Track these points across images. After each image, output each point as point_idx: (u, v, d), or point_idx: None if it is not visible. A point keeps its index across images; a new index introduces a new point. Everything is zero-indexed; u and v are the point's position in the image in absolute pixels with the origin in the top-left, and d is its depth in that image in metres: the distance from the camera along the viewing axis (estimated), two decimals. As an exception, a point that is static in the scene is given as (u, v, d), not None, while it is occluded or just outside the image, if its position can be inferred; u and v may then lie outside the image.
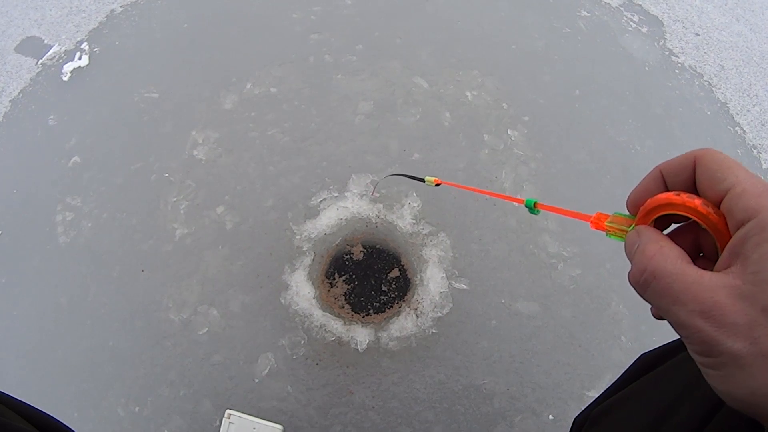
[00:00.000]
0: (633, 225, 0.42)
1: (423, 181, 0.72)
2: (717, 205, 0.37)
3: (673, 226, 0.43)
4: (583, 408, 0.80)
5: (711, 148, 0.38)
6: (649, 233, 0.39)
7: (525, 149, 1.56)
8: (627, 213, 0.43)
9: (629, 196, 0.43)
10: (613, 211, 0.44)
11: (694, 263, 0.36)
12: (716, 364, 0.34)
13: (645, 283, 0.37)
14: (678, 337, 0.65)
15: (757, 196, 0.34)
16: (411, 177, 0.77)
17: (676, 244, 0.39)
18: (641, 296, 0.38)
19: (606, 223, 0.43)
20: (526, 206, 0.52)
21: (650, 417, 0.55)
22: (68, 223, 1.48)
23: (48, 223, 1.49)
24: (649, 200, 0.40)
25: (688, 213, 0.38)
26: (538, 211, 0.52)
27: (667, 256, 0.36)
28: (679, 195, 0.38)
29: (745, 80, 1.85)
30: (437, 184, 0.70)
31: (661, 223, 0.41)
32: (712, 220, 0.37)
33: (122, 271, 1.42)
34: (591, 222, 0.44)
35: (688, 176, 0.39)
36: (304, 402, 1.28)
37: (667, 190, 0.40)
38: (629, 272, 0.39)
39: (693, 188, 0.39)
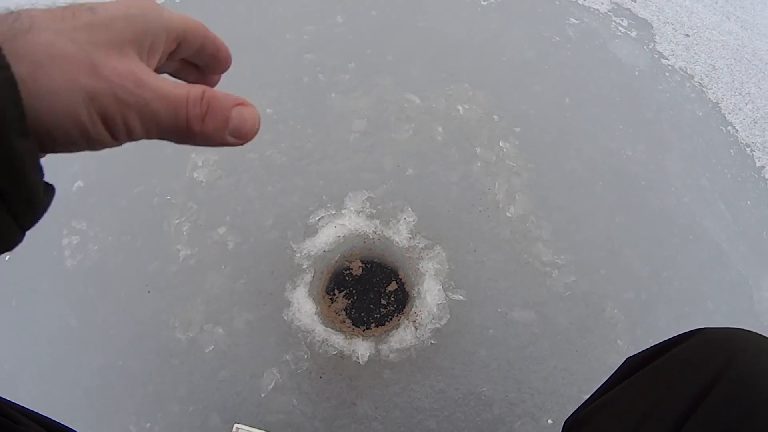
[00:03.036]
0: None
1: None
2: None
3: None
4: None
5: None
6: None
7: (517, 160, 1.59)
8: None
9: None
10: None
11: None
12: None
13: None
14: (661, 340, 0.68)
15: None
16: None
17: None
18: None
19: None
20: None
21: (632, 418, 0.59)
22: (75, 247, 1.52)
23: (55, 246, 1.53)
24: None
25: None
26: None
27: None
28: None
29: (737, 78, 1.86)
30: None
31: None
32: None
33: (129, 292, 1.46)
34: None
35: None
36: (309, 414, 1.32)
37: None
38: None
39: None
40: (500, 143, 1.60)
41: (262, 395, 1.34)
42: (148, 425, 1.34)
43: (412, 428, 1.31)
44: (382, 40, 1.78)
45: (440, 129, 1.62)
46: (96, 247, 1.52)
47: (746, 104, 1.82)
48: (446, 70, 1.73)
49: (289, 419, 1.32)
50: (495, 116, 1.65)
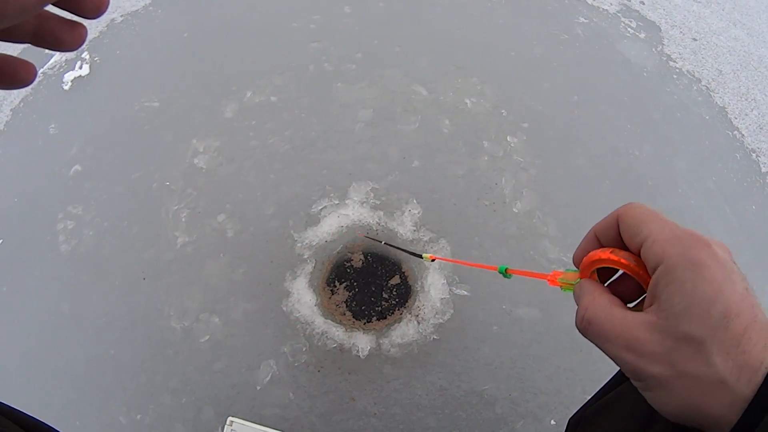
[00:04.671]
0: (578, 279, 0.48)
1: (420, 257, 0.78)
2: (639, 254, 0.42)
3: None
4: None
5: (632, 204, 0.44)
6: (585, 286, 0.46)
7: (524, 156, 1.56)
8: (575, 268, 0.50)
9: (574, 254, 0.49)
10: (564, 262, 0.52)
11: (641, 303, 0.43)
12: (646, 387, 0.41)
13: (584, 329, 0.44)
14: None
15: (664, 243, 0.40)
16: (409, 252, 0.85)
17: (623, 286, 0.46)
18: (584, 337, 0.44)
19: (558, 280, 0.50)
20: (499, 272, 0.58)
21: (642, 415, 0.57)
22: (69, 232, 1.49)
23: (49, 231, 1.49)
24: (584, 258, 0.47)
25: (613, 265, 0.44)
26: (510, 275, 0.58)
27: (599, 304, 0.43)
28: (605, 251, 0.44)
29: (743, 84, 1.86)
30: (432, 260, 0.75)
31: (610, 272, 0.47)
32: (633, 269, 0.43)
33: (123, 279, 1.42)
34: (549, 280, 0.51)
35: (616, 233, 0.45)
36: (306, 409, 1.28)
37: (602, 246, 0.46)
38: (575, 318, 0.46)
39: (622, 242, 0.44)
40: (508, 138, 1.58)
41: (258, 388, 1.30)
42: (138, 417, 1.30)
43: (412, 426, 1.28)
44: (390, 32, 1.77)
45: (447, 122, 1.60)
46: (91, 233, 1.48)
47: (752, 110, 1.82)
48: (454, 64, 1.71)
49: (285, 413, 1.28)
50: (503, 111, 1.63)
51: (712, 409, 0.38)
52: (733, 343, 0.37)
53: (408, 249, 0.93)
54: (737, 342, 0.37)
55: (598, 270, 0.48)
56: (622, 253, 0.44)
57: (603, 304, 0.43)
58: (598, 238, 0.47)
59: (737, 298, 0.38)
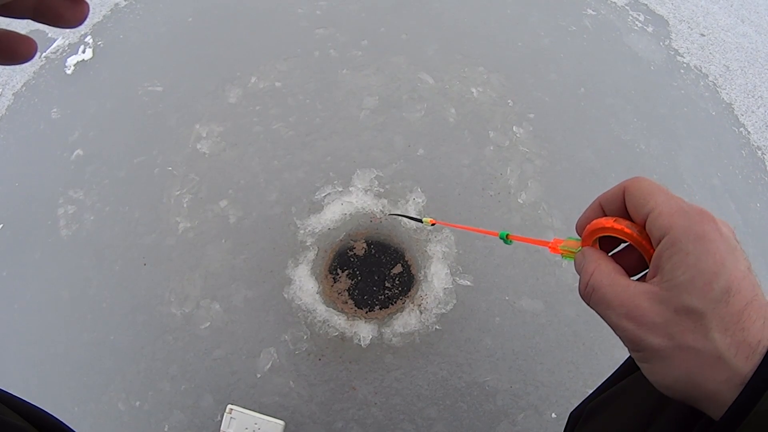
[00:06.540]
0: (580, 247, 0.49)
1: (421, 221, 0.79)
2: (643, 226, 0.43)
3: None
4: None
5: (639, 177, 0.44)
6: (590, 253, 0.46)
7: (530, 146, 1.55)
8: (577, 237, 0.50)
9: (577, 222, 0.50)
10: (566, 236, 0.51)
11: (644, 277, 0.43)
12: (643, 358, 0.41)
13: (587, 295, 0.44)
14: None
15: (670, 216, 0.40)
16: (410, 218, 0.87)
17: (625, 260, 0.47)
18: (587, 305, 0.45)
19: (560, 247, 0.51)
20: (500, 238, 0.59)
21: (644, 409, 0.56)
22: (70, 217, 1.47)
23: (50, 216, 1.48)
24: (588, 225, 0.47)
25: (616, 234, 0.44)
26: (511, 241, 0.58)
27: (603, 272, 0.43)
28: (608, 220, 0.45)
29: (750, 81, 1.84)
30: (433, 224, 0.77)
31: (612, 244, 0.48)
32: (636, 239, 0.43)
33: (124, 264, 1.41)
34: (549, 247, 0.52)
35: (621, 204, 0.46)
36: (306, 397, 1.27)
37: (606, 216, 0.47)
38: (578, 285, 0.46)
39: (627, 213, 0.45)
40: (514, 128, 1.57)
41: (258, 376, 1.29)
42: (137, 403, 1.29)
43: (413, 416, 1.27)
44: (396, 19, 1.75)
45: (453, 111, 1.59)
46: (92, 218, 1.47)
47: (759, 107, 1.80)
48: (461, 53, 1.69)
49: (285, 402, 1.27)
50: (509, 101, 1.62)
51: (708, 383, 0.38)
52: (732, 319, 0.37)
53: (410, 216, 0.96)
54: (737, 318, 0.37)
55: (600, 243, 0.48)
56: (626, 222, 0.44)
57: (607, 272, 0.43)
58: (603, 208, 0.48)
59: (739, 275, 0.38)
